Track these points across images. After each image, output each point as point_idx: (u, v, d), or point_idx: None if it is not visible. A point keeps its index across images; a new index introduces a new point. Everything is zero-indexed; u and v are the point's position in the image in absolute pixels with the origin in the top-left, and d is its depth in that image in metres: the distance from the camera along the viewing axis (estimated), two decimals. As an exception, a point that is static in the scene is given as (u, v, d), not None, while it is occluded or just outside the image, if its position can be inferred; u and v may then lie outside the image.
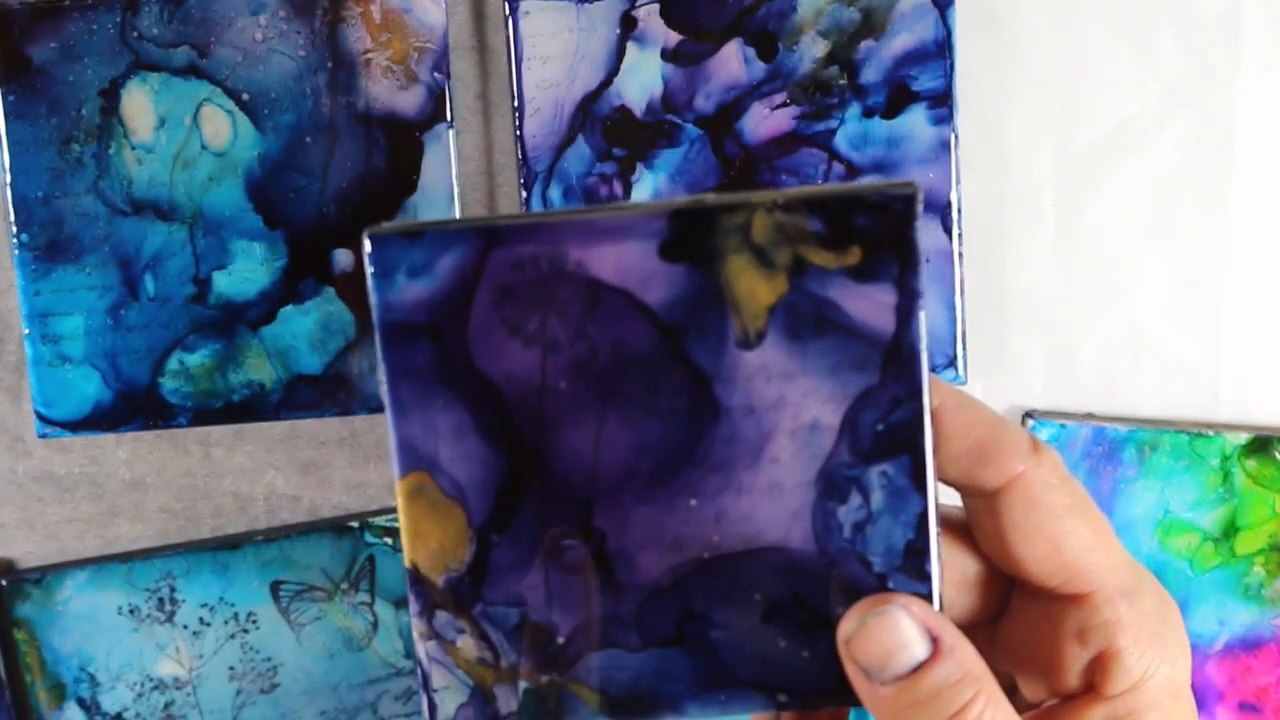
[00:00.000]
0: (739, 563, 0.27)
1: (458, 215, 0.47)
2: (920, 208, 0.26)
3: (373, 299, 0.26)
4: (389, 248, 0.26)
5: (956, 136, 0.46)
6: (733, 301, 0.26)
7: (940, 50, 0.46)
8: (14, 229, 0.46)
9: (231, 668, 0.51)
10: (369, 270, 0.26)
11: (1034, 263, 0.50)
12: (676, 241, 0.26)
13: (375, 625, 0.51)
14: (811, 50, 0.46)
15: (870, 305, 0.26)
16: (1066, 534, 0.27)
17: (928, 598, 0.27)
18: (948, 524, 0.28)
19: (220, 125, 0.46)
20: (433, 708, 0.28)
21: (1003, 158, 0.49)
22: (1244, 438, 0.49)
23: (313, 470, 0.50)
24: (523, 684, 0.28)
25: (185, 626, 0.50)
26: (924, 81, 0.46)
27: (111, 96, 0.46)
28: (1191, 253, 0.49)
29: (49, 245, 0.46)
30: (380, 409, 0.48)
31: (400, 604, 0.51)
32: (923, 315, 0.26)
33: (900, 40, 0.46)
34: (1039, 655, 0.28)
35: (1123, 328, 0.50)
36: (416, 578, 0.27)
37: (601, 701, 0.28)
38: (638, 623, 0.27)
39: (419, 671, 0.28)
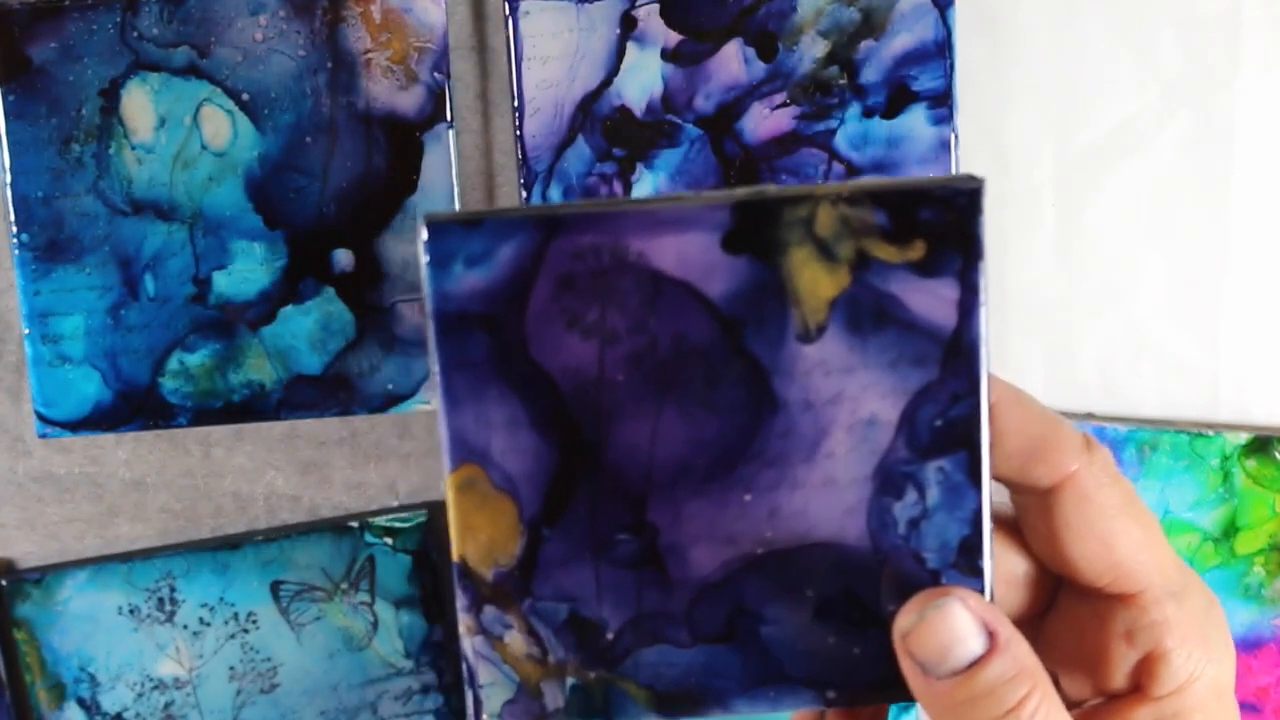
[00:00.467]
0: (792, 558, 0.27)
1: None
2: (985, 201, 0.25)
3: (427, 288, 0.26)
4: (446, 236, 0.25)
5: (956, 136, 0.46)
6: (794, 294, 0.26)
7: (940, 50, 0.46)
8: (14, 229, 0.46)
9: (231, 668, 0.51)
10: (424, 258, 0.25)
11: (1034, 263, 0.50)
12: (739, 233, 0.26)
13: (375, 625, 0.51)
14: (811, 50, 0.46)
15: (932, 300, 0.26)
16: (1117, 533, 0.27)
17: (981, 593, 0.27)
18: (997, 520, 0.28)
19: (220, 125, 0.46)
20: (478, 704, 0.28)
21: (1003, 158, 0.49)
22: (1244, 438, 0.49)
23: (313, 470, 0.50)
24: (570, 680, 0.28)
25: (185, 626, 0.50)
26: (924, 81, 0.46)
27: (111, 96, 0.46)
28: (1191, 253, 0.49)
29: (49, 245, 0.46)
30: (381, 409, 0.48)
31: (401, 604, 0.51)
32: (984, 311, 0.26)
33: (900, 40, 0.46)
34: (1085, 654, 0.28)
35: (1123, 328, 0.50)
36: (465, 572, 0.27)
37: (650, 698, 0.28)
38: (688, 619, 0.27)
39: (465, 667, 0.28)
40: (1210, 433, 0.49)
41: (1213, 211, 0.49)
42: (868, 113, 0.46)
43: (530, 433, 0.26)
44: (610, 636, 0.27)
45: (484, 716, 0.28)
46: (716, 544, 0.27)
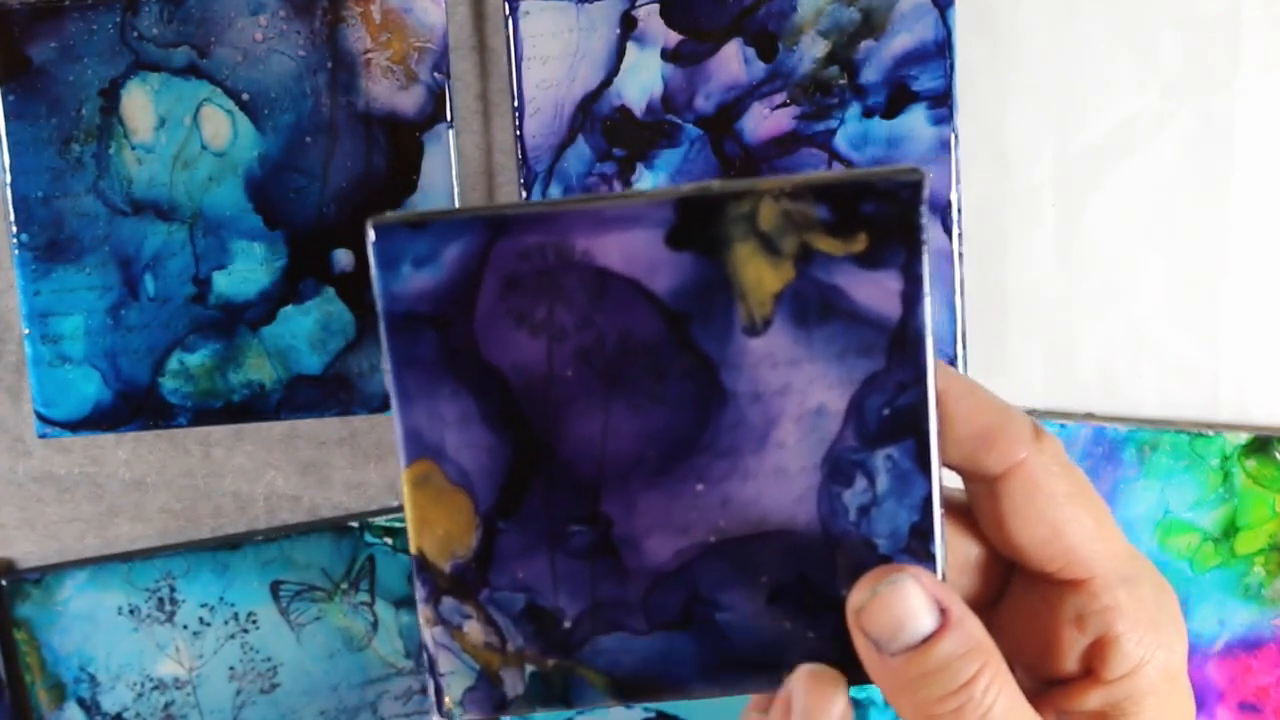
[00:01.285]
0: (745, 546, 0.27)
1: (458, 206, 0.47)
2: (927, 193, 0.26)
3: (377, 289, 0.26)
4: (393, 237, 0.26)
5: (956, 136, 0.46)
6: (739, 289, 0.26)
7: (940, 50, 0.46)
8: (14, 229, 0.46)
9: (231, 668, 0.51)
10: (373, 260, 0.26)
11: (1034, 263, 0.50)
12: (683, 229, 0.26)
13: (375, 625, 0.51)
14: (811, 50, 0.46)
15: (876, 291, 0.26)
16: (1067, 520, 0.27)
17: (933, 572, 0.27)
18: (950, 507, 0.29)
19: (220, 125, 0.46)
20: (439, 692, 0.28)
21: (1003, 158, 0.49)
22: (1244, 438, 0.49)
23: (313, 470, 0.50)
24: (529, 668, 0.28)
25: (185, 626, 0.50)
26: (924, 81, 0.46)
27: (111, 96, 0.46)
28: (1191, 253, 0.49)
29: (49, 245, 0.46)
30: (381, 409, 0.48)
31: (401, 604, 0.51)
32: (928, 300, 0.26)
33: (900, 40, 0.46)
34: (1037, 639, 0.28)
35: (1123, 328, 0.50)
36: (423, 564, 0.28)
37: (608, 684, 0.28)
38: (644, 606, 0.28)
39: (425, 656, 0.28)
40: (1210, 433, 0.49)
41: (1213, 211, 0.49)
42: (868, 113, 0.46)
43: (483, 428, 0.27)
44: (567, 625, 0.28)
45: (446, 703, 0.28)
46: (670, 533, 0.27)
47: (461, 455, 0.27)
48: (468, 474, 0.27)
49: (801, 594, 0.27)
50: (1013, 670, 0.29)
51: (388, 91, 0.46)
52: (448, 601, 0.28)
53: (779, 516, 0.27)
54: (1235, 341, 0.50)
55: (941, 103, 0.46)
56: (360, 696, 0.51)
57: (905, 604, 0.26)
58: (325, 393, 0.48)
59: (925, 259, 0.26)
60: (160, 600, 0.50)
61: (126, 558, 0.50)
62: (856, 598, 0.26)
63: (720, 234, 0.26)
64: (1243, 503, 0.49)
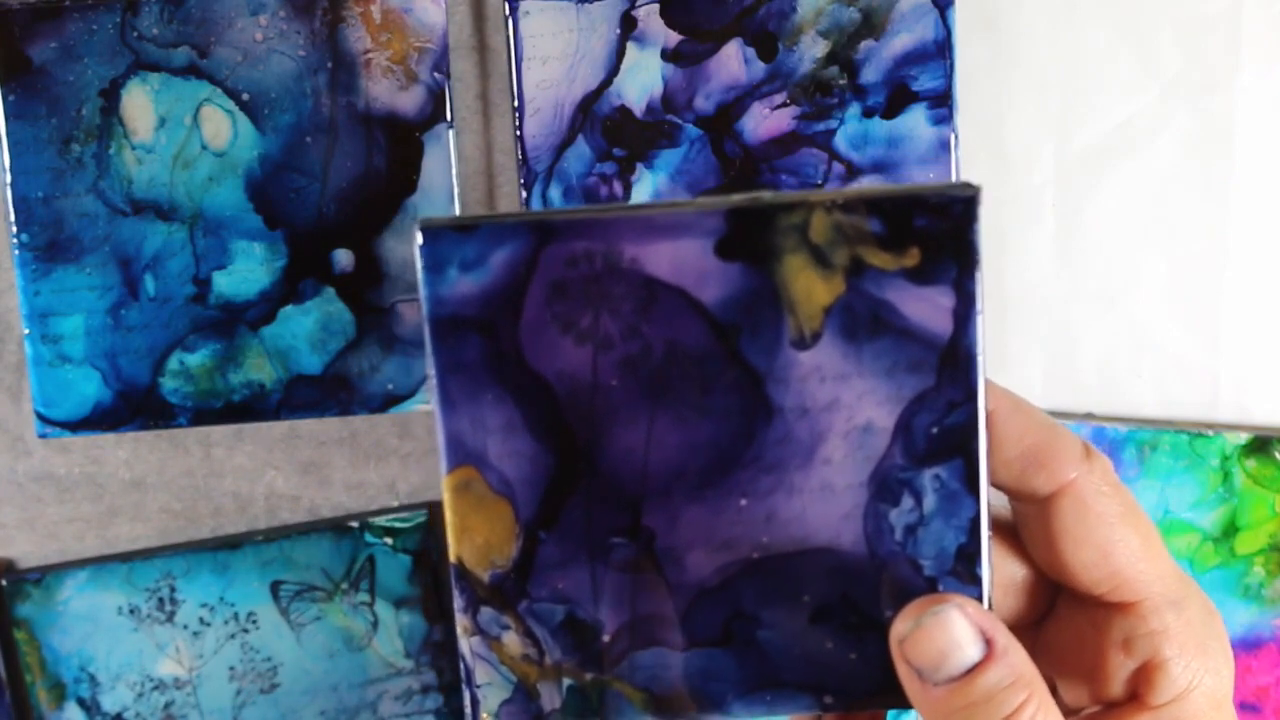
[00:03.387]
0: (788, 563, 0.27)
1: (457, 212, 0.47)
2: (981, 209, 0.25)
3: (423, 292, 0.26)
4: (441, 241, 0.26)
5: (956, 136, 0.46)
6: (789, 301, 0.26)
7: (940, 50, 0.46)
8: (14, 229, 0.46)
9: (231, 668, 0.51)
10: (419, 263, 0.26)
11: (1034, 263, 0.50)
12: (733, 239, 0.26)
13: (375, 625, 0.51)
14: (811, 50, 0.46)
15: (928, 307, 0.26)
16: (1116, 542, 0.27)
17: (979, 601, 0.27)
18: (996, 526, 0.28)
19: (220, 125, 0.46)
20: (475, 704, 0.28)
21: (1003, 158, 0.49)
22: (1244, 438, 0.49)
23: (313, 470, 0.50)
24: (567, 681, 0.28)
25: (185, 626, 0.50)
26: (924, 81, 0.46)
27: (111, 96, 0.46)
28: (1191, 253, 0.49)
29: (49, 245, 0.46)
30: (381, 409, 0.48)
31: (401, 604, 0.51)
32: (980, 319, 0.26)
33: (900, 40, 0.46)
34: (1083, 661, 0.28)
35: (1123, 328, 0.50)
36: (462, 573, 0.27)
37: (646, 700, 0.28)
38: (684, 622, 0.27)
39: (462, 667, 0.28)
40: (1210, 433, 0.49)
41: (1213, 211, 0.49)
42: (868, 113, 0.46)
43: (526, 436, 0.26)
44: (606, 639, 0.27)
45: (482, 716, 0.28)
46: (713, 548, 0.27)
47: (504, 463, 0.27)
48: (509, 482, 0.27)
49: (845, 614, 0.27)
50: (1057, 691, 0.29)
51: (388, 91, 0.46)
52: (486, 612, 0.27)
53: (824, 534, 0.27)
54: (1235, 341, 0.50)
55: (941, 103, 0.46)
56: (360, 696, 0.51)
57: (950, 635, 0.25)
58: (325, 393, 0.48)
59: (979, 275, 0.26)
60: (160, 600, 0.50)
61: (126, 558, 0.50)
62: (900, 627, 0.26)
63: (771, 245, 0.26)
64: (1243, 503, 0.49)
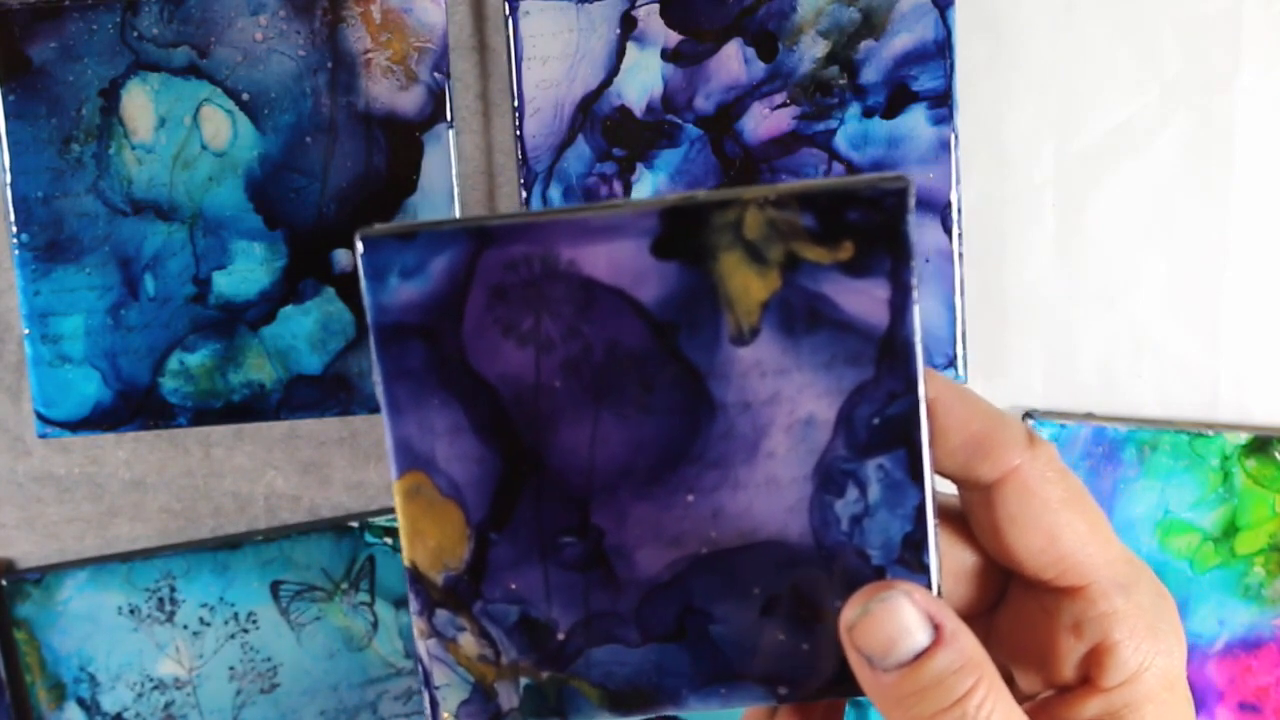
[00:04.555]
0: (737, 557, 0.27)
1: (458, 214, 0.47)
2: (913, 200, 0.26)
3: (366, 300, 0.26)
4: (381, 249, 0.26)
5: (956, 136, 0.46)
6: (726, 298, 0.26)
7: (940, 50, 0.46)
8: (14, 229, 0.46)
9: (231, 668, 0.51)
10: (361, 272, 0.26)
11: (1034, 263, 0.50)
12: (668, 239, 0.26)
13: (375, 625, 0.51)
14: (811, 50, 0.46)
15: (864, 300, 0.26)
16: (1062, 527, 0.27)
17: (927, 588, 0.27)
18: (945, 514, 0.28)
19: (220, 125, 0.46)
20: (434, 705, 0.28)
21: (1003, 158, 0.49)
22: (1244, 438, 0.49)
23: (313, 470, 0.50)
24: (524, 680, 0.28)
25: (185, 626, 0.50)
26: (924, 81, 0.46)
27: (111, 96, 0.46)
28: (1191, 253, 0.49)
29: (49, 245, 0.46)
30: (380, 409, 0.48)
31: (400, 604, 0.51)
32: (916, 309, 0.26)
33: (900, 40, 0.46)
34: (1035, 647, 0.28)
35: (1123, 328, 0.50)
36: (416, 576, 0.28)
37: (602, 696, 0.28)
38: (637, 618, 0.28)
39: (420, 669, 0.28)
40: (1210, 433, 0.49)
41: (1213, 211, 0.49)
42: (868, 113, 0.46)
43: (473, 439, 0.27)
44: (561, 637, 0.28)
45: (441, 716, 0.28)
46: (662, 545, 0.27)
47: (452, 466, 0.27)
48: (458, 485, 0.27)
49: (795, 606, 0.27)
50: (1011, 677, 0.29)
51: (388, 91, 0.46)
52: (441, 613, 0.28)
53: (771, 527, 0.27)
54: (1235, 341, 0.50)
55: (941, 103, 0.46)
56: (360, 696, 0.51)
57: (897, 621, 0.26)
58: (325, 393, 0.48)
59: (913, 267, 0.26)
60: (160, 600, 0.50)
61: (126, 558, 0.50)
62: (848, 615, 0.26)
63: (706, 243, 0.26)
64: (1243, 503, 0.49)
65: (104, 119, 0.46)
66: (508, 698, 0.28)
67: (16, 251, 0.46)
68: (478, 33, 0.48)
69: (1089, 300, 0.50)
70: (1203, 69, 0.48)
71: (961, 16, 0.46)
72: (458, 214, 0.47)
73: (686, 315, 0.26)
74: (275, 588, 0.50)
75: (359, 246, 0.26)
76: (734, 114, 0.47)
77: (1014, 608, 0.29)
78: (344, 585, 0.50)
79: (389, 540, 0.50)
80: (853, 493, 0.27)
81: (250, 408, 0.47)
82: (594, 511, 0.27)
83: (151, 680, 0.50)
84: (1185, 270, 0.49)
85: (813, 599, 0.27)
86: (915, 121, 0.46)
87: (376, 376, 0.27)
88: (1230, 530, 0.50)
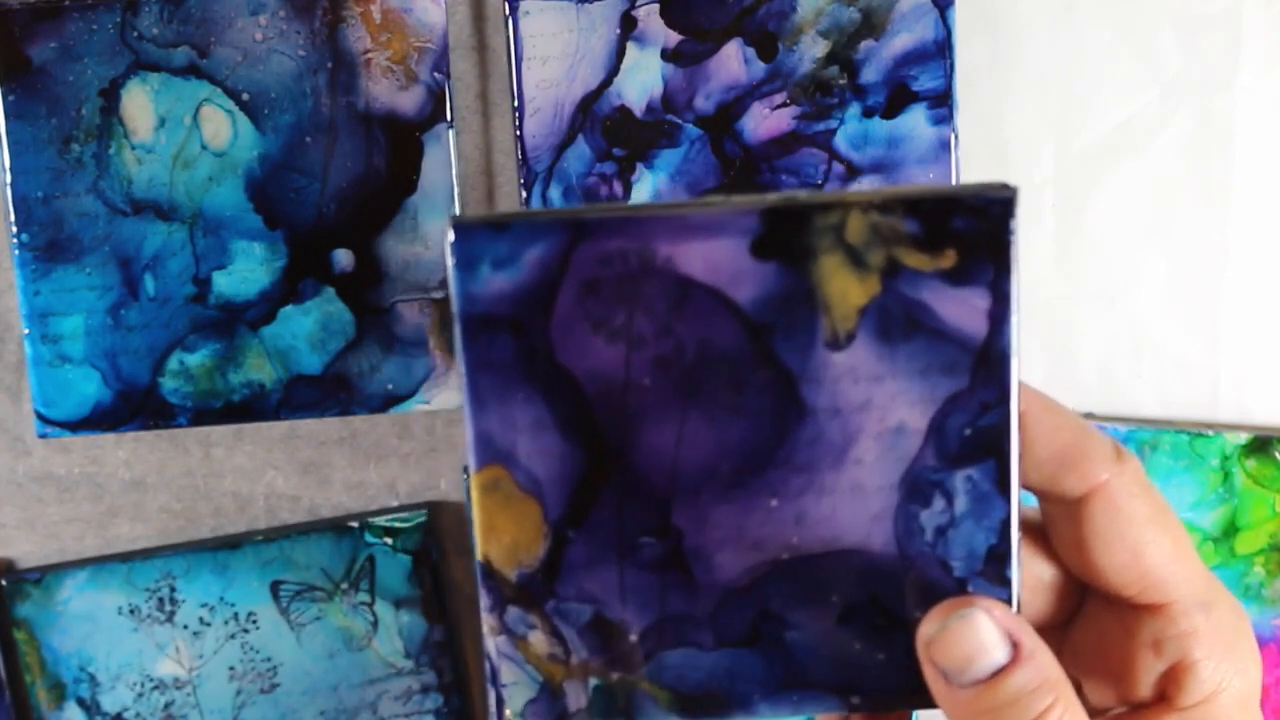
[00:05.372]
0: (818, 564, 0.27)
1: (458, 215, 0.47)
2: (1019, 210, 0.25)
3: (454, 290, 0.26)
4: (473, 238, 0.25)
5: (956, 136, 0.46)
6: (824, 302, 0.26)
7: (940, 50, 0.46)
8: (14, 229, 0.46)
9: (231, 668, 0.51)
10: (451, 260, 0.25)
11: (1034, 263, 0.50)
12: (768, 239, 0.25)
13: (375, 625, 0.51)
14: (811, 50, 0.46)
15: (963, 309, 0.26)
16: (1147, 544, 0.27)
17: (1007, 602, 0.27)
18: (1025, 527, 0.28)
19: (220, 125, 0.46)
20: (500, 703, 0.28)
21: (1003, 158, 0.49)
22: (1244, 438, 0.49)
23: (313, 470, 0.50)
24: (593, 681, 0.28)
25: (185, 626, 0.50)
26: (924, 81, 0.46)
27: (111, 96, 0.46)
28: (1191, 253, 0.49)
29: (49, 245, 0.46)
30: (381, 409, 0.48)
31: (401, 604, 0.51)
32: (1015, 320, 0.26)
33: (900, 40, 0.46)
34: (1111, 662, 0.28)
35: (1123, 328, 0.50)
36: (488, 572, 0.27)
37: (672, 700, 0.28)
38: (712, 622, 0.27)
39: (488, 666, 0.28)
40: (1210, 433, 0.49)
41: (1213, 211, 0.49)
42: (868, 113, 0.46)
43: (556, 435, 0.26)
44: (634, 638, 0.27)
45: (507, 715, 0.28)
46: (742, 548, 0.27)
47: (533, 462, 0.26)
48: (538, 481, 0.27)
49: (873, 615, 0.27)
50: (1085, 691, 0.29)
51: (388, 91, 0.46)
52: (513, 611, 0.27)
53: (854, 535, 0.27)
54: (1235, 341, 0.50)
55: (941, 103, 0.46)
56: (360, 696, 0.51)
57: (976, 638, 0.25)
58: (325, 393, 0.48)
59: (1015, 277, 0.25)
60: (160, 600, 0.50)
61: (126, 558, 0.50)
62: (927, 629, 0.26)
63: (806, 245, 0.25)
64: (1243, 503, 0.49)
65: (104, 119, 0.46)
66: (576, 698, 0.28)
67: (16, 251, 0.46)
68: (478, 33, 0.48)
69: (1089, 300, 0.50)
70: (1203, 69, 0.48)
71: (961, 16, 0.46)
72: (458, 214, 0.47)
73: (782, 317, 0.26)
74: (275, 588, 0.50)
75: (450, 234, 0.25)
76: (734, 114, 0.47)
77: (1091, 622, 0.29)
78: (344, 585, 0.50)
79: (389, 540, 0.50)
80: (939, 503, 0.26)
81: (250, 408, 0.47)
82: (675, 513, 0.27)
83: (151, 680, 0.50)
84: (1185, 270, 0.49)
85: (892, 609, 0.27)
86: (915, 121, 0.46)
87: (460, 367, 0.26)
88: (1230, 530, 0.50)
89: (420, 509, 0.50)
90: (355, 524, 0.50)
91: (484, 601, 0.27)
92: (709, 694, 0.28)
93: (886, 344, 0.26)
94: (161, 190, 0.46)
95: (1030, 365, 0.50)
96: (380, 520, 0.50)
